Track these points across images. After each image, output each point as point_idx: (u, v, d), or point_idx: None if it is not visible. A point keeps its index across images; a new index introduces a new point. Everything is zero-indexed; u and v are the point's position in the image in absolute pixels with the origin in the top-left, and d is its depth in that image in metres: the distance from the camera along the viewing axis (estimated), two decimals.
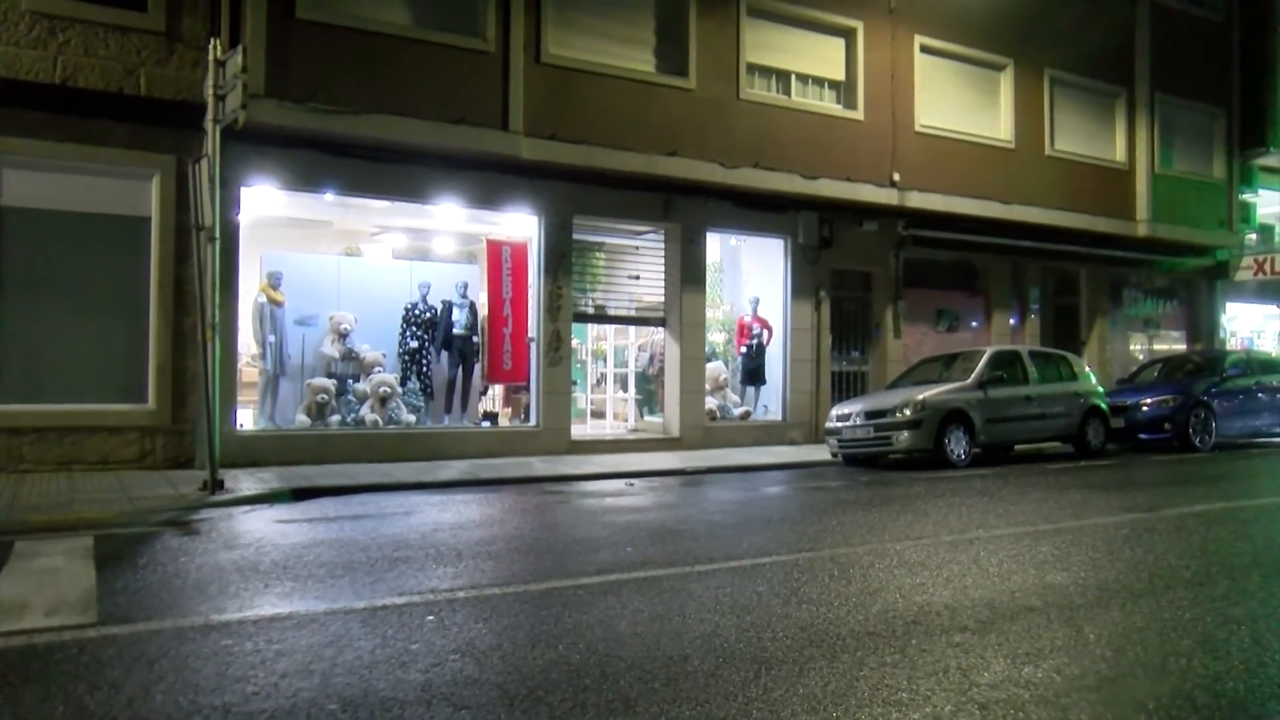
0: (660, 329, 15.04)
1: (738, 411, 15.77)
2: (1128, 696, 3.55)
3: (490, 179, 12.87)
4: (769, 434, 15.40)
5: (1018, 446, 14.01)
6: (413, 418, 13.01)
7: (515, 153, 12.54)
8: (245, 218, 11.64)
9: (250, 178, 11.45)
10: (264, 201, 12.24)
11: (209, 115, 9.02)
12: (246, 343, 12.58)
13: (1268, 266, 21.35)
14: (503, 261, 13.52)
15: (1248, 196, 21.80)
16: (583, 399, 16.59)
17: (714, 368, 15.60)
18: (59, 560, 6.13)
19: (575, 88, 13.11)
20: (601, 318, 15.11)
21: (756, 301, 16.01)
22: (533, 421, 13.56)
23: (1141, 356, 20.55)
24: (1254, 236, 22.25)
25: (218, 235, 9.12)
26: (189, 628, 4.51)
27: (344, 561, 6.11)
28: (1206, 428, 14.64)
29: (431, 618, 4.67)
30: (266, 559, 6.22)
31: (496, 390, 14.42)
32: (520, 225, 13.77)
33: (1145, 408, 14.81)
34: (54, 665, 3.96)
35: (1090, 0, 18.64)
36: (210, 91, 8.99)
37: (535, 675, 3.79)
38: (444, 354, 13.51)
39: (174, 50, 10.87)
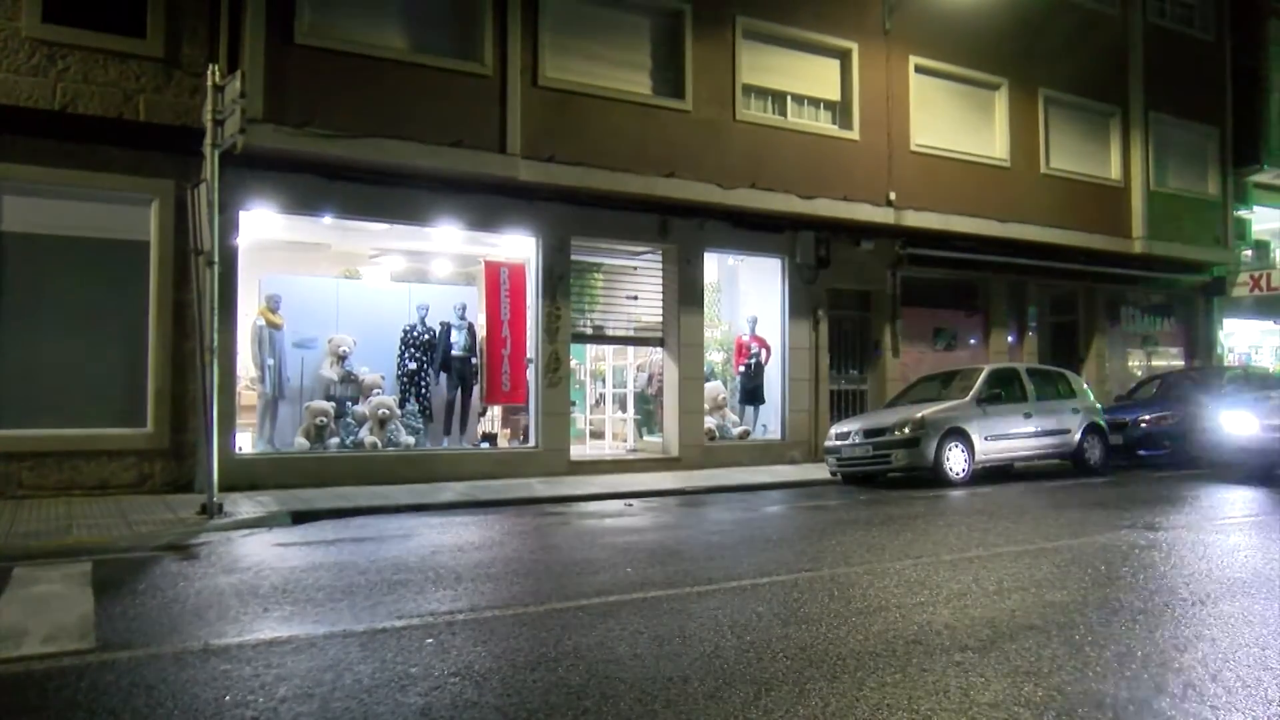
0: (658, 349, 15.06)
1: (736, 431, 15.77)
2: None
3: (488, 201, 12.93)
4: (768, 453, 15.39)
5: (1017, 464, 14.00)
6: (411, 440, 13.01)
7: (513, 175, 12.60)
8: (244, 241, 11.68)
9: (249, 202, 11.49)
10: (262, 225, 12.27)
11: (207, 140, 9.07)
12: (245, 366, 12.59)
13: (1264, 282, 21.41)
14: (501, 283, 13.56)
15: (1243, 213, 21.90)
16: (581, 420, 16.60)
17: (712, 387, 15.61)
18: (57, 586, 6.11)
19: (573, 110, 13.19)
20: (600, 338, 15.14)
21: (754, 321, 16.04)
22: (532, 442, 13.56)
23: (1140, 373, 20.57)
24: (1249, 253, 22.32)
25: (216, 259, 9.15)
26: (188, 653, 4.50)
27: (343, 585, 6.10)
28: None
29: (431, 641, 4.66)
30: (265, 583, 6.21)
31: (495, 411, 14.42)
32: (518, 247, 13.81)
33: (1144, 424, 14.81)
34: (52, 692, 3.95)
35: (1083, 20, 18.79)
36: (209, 117, 9.05)
37: (535, 698, 3.78)
38: (443, 376, 13.52)
39: (172, 76, 10.94)
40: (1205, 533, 7.94)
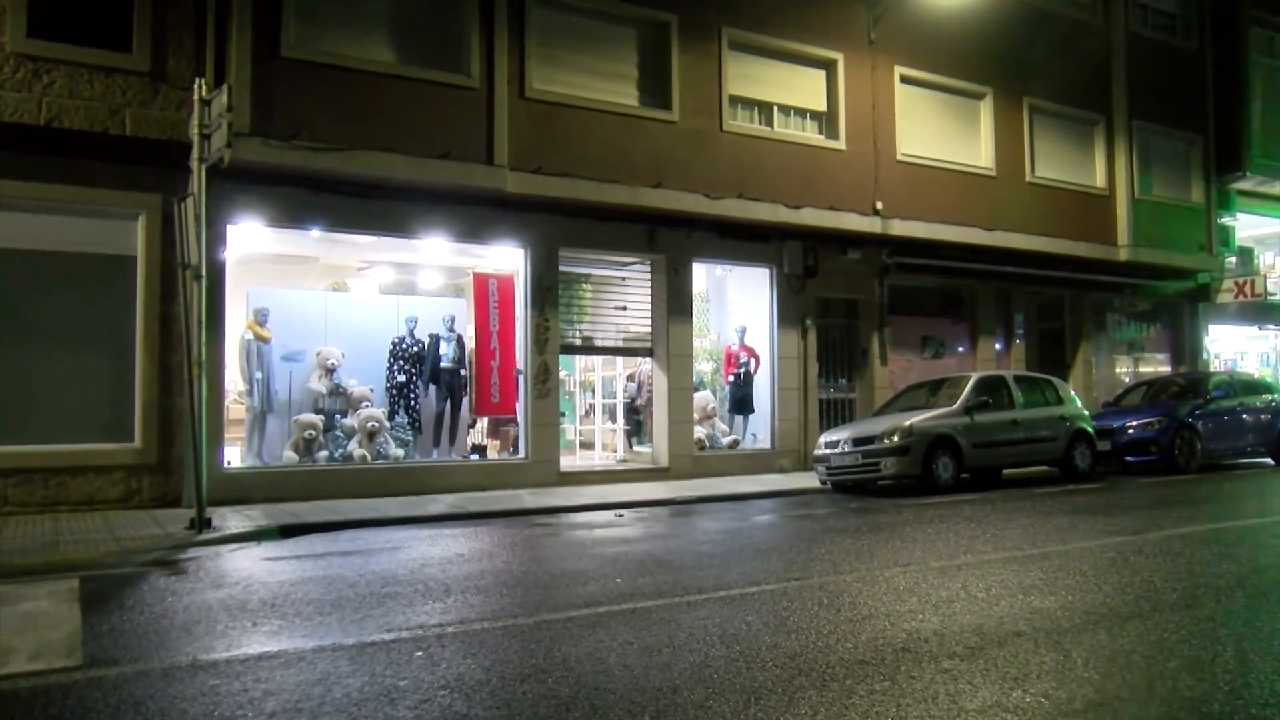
0: (648, 359, 15.07)
1: (726, 440, 15.78)
2: None
3: (476, 213, 12.93)
4: (757, 462, 15.40)
5: (1005, 471, 14.06)
6: (401, 452, 12.97)
7: (501, 187, 12.61)
8: (231, 255, 11.66)
9: (236, 215, 11.48)
10: (250, 238, 12.26)
11: (194, 154, 9.06)
12: (233, 380, 12.53)
13: (1248, 289, 21.55)
14: (489, 294, 13.56)
15: (1226, 220, 22.04)
16: (571, 430, 16.57)
17: (702, 397, 15.63)
18: (44, 603, 6.08)
19: (559, 122, 13.22)
20: (589, 349, 15.14)
21: (743, 330, 16.08)
22: (521, 454, 13.54)
23: (1127, 379, 20.68)
24: (1233, 259, 22.47)
25: (204, 273, 9.13)
26: (176, 668, 4.49)
27: (332, 598, 6.09)
28: (1191, 449, 14.72)
29: (420, 654, 4.66)
30: (254, 597, 6.19)
31: (483, 422, 14.39)
32: (507, 258, 13.82)
33: (1131, 430, 14.89)
34: (38, 710, 3.93)
35: (1066, 30, 18.94)
36: (195, 131, 9.04)
37: (524, 710, 3.78)
38: (431, 388, 13.50)
39: (159, 90, 10.92)
40: (1191, 538, 7.99)
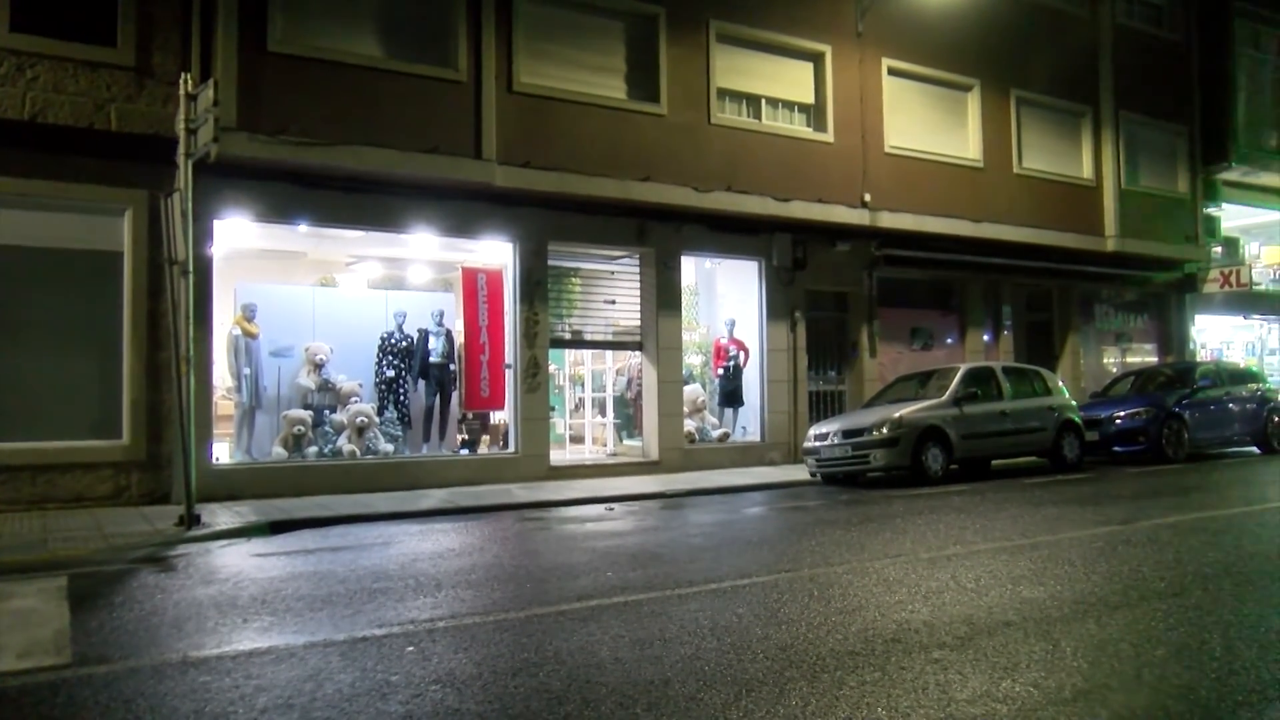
0: (637, 353, 15.07)
1: (716, 433, 15.80)
2: (1104, 708, 3.59)
3: (465, 207, 12.90)
4: (748, 455, 15.43)
5: (994, 462, 14.11)
6: (390, 447, 12.95)
7: (489, 181, 12.58)
8: (219, 250, 11.61)
9: (223, 211, 11.42)
10: (237, 234, 12.21)
11: (181, 149, 9.03)
12: (222, 376, 12.50)
13: (1234, 279, 21.68)
14: (478, 289, 13.54)
15: (1212, 210, 22.16)
16: (561, 424, 16.58)
17: (691, 390, 15.64)
18: (32, 601, 6.05)
19: (548, 115, 13.19)
20: (578, 343, 15.13)
21: (732, 324, 16.09)
22: (511, 448, 13.53)
23: (1114, 370, 20.76)
24: (1219, 250, 22.59)
25: (191, 269, 9.10)
26: (166, 665, 4.47)
27: (323, 594, 6.08)
28: (1179, 439, 14.80)
29: (411, 649, 4.66)
30: (244, 593, 6.17)
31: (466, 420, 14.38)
32: (495, 252, 13.80)
33: (1119, 420, 14.96)
34: (27, 709, 3.92)
35: (1053, 21, 18.99)
36: (181, 126, 9.00)
37: (516, 704, 3.79)
38: (421, 383, 13.48)
39: (144, 85, 10.85)
40: (1179, 527, 8.04)
